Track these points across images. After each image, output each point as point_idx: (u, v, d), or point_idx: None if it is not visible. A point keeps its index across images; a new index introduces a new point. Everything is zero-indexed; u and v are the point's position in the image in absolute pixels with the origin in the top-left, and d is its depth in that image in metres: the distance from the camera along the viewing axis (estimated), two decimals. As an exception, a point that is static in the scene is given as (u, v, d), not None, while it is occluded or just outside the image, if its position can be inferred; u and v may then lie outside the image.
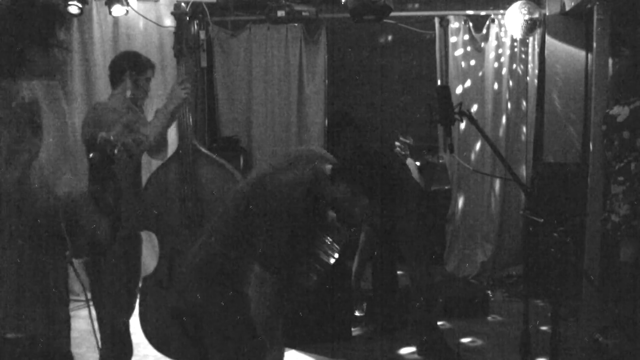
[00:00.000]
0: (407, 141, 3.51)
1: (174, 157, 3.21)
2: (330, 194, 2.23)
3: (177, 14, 3.21)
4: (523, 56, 5.38)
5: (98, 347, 1.80)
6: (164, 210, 3.09)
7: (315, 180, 2.17)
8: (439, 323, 4.00)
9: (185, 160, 3.09)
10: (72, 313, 1.98)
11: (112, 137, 1.73)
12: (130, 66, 3.12)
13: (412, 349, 3.88)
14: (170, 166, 3.15)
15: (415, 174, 3.78)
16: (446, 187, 5.45)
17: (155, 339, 3.23)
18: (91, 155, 1.74)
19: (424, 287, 3.78)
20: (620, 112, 3.68)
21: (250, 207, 2.14)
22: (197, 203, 3.06)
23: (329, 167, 2.23)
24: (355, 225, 3.95)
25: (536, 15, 4.94)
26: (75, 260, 1.94)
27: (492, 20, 5.34)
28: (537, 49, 5.29)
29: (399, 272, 4.36)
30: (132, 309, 3.13)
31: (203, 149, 3.24)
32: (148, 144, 2.98)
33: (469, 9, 5.40)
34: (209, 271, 2.21)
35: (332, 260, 3.97)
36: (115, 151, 1.70)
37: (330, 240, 2.39)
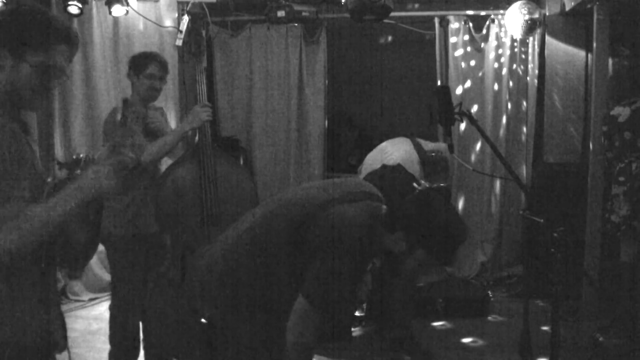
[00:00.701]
0: (427, 185, 3.49)
1: (188, 155, 3.15)
2: (385, 244, 2.01)
3: (193, 12, 3.17)
4: (523, 56, 5.38)
5: (67, 348, 1.70)
6: (180, 209, 3.03)
7: (372, 223, 1.92)
8: (439, 323, 4.00)
9: (205, 159, 3.04)
10: (71, 313, 1.97)
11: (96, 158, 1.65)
12: (130, 67, 3.10)
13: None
14: (184, 165, 3.08)
15: (416, 167, 3.77)
16: (447, 183, 5.42)
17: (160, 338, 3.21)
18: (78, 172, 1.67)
19: (408, 289, 3.79)
20: (622, 112, 3.68)
21: (300, 235, 1.92)
22: (216, 202, 3.04)
23: (384, 207, 1.99)
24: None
25: (536, 15, 4.94)
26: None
27: (492, 21, 5.34)
28: (537, 49, 5.28)
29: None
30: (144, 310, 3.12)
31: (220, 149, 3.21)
32: (151, 158, 2.95)
33: (469, 9, 5.40)
34: (233, 286, 2.01)
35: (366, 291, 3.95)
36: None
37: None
